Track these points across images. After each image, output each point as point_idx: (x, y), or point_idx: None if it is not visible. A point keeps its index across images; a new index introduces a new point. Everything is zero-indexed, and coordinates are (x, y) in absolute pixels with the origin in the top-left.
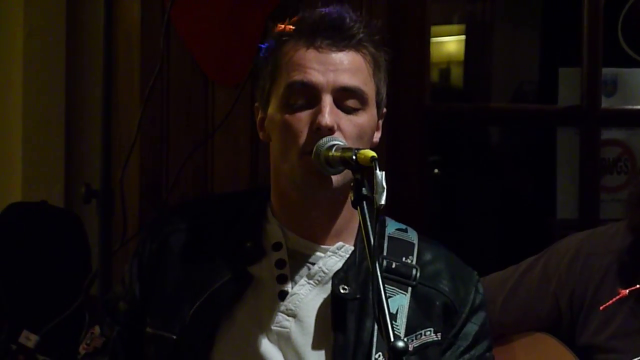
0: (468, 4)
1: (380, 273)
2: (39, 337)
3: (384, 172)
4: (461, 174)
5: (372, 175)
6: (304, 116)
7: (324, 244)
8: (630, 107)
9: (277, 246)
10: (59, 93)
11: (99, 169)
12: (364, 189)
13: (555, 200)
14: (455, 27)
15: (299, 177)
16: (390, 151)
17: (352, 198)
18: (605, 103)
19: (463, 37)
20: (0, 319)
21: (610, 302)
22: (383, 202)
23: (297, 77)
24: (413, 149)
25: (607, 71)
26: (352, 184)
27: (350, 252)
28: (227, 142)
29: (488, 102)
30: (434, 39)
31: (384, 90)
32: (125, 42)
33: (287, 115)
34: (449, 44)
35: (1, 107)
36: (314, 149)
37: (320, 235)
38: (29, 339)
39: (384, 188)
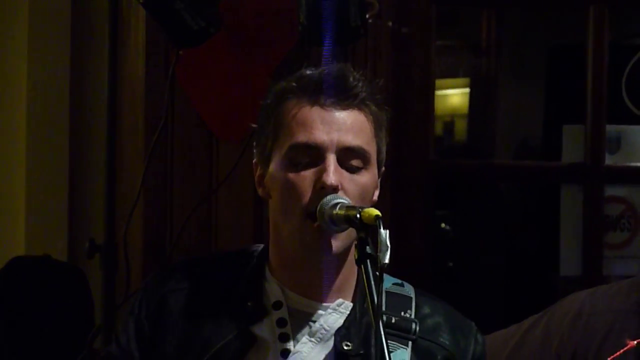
0: (473, 58)
1: (383, 330)
2: None
3: (387, 231)
4: (466, 229)
5: (376, 234)
6: (307, 175)
7: (323, 302)
8: (633, 164)
9: (278, 305)
10: (63, 147)
11: (102, 223)
12: (367, 247)
13: (559, 256)
14: (460, 81)
15: (301, 240)
16: (395, 206)
17: (356, 256)
18: (609, 160)
19: (467, 90)
20: None
21: (618, 353)
22: (387, 261)
23: (302, 137)
24: (418, 204)
25: (610, 128)
26: (355, 243)
27: (350, 308)
28: (231, 197)
29: (492, 156)
30: (438, 92)
31: (384, 149)
32: (129, 97)
33: (290, 174)
34: (454, 96)
35: (5, 160)
36: (318, 207)
37: (320, 294)
38: None
39: (387, 247)
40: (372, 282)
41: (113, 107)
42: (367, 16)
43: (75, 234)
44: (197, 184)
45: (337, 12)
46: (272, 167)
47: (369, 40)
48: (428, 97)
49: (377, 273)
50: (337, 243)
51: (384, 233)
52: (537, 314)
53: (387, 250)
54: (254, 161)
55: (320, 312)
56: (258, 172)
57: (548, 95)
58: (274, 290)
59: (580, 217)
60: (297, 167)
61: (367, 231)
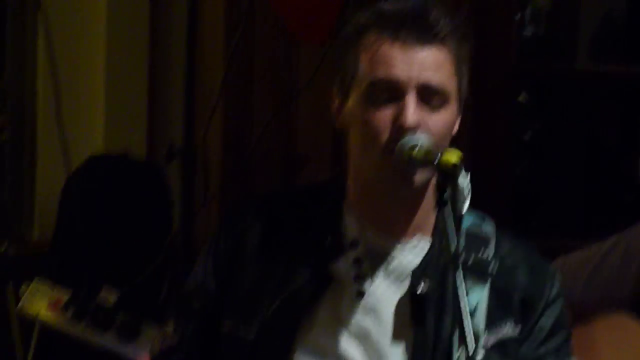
0: None
1: (460, 270)
2: (120, 294)
3: (468, 178)
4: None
5: (455, 180)
6: (387, 112)
7: (402, 239)
8: None
9: (355, 243)
10: (143, 45)
11: (182, 125)
12: (446, 194)
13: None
14: None
15: (381, 175)
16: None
17: (435, 200)
18: None
19: None
20: (81, 272)
21: None
22: (465, 210)
23: (382, 73)
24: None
25: None
26: (435, 185)
27: (428, 247)
28: (311, 103)
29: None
30: None
31: (465, 85)
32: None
33: (369, 111)
34: None
35: (85, 64)
36: (397, 147)
37: (398, 230)
38: (109, 296)
39: (465, 196)
40: (450, 229)
41: (194, 6)
42: None
43: (155, 135)
44: (279, 87)
45: None
46: (351, 101)
47: None
48: None
49: (455, 221)
50: (418, 177)
51: (463, 181)
52: (617, 235)
53: (466, 199)
54: (333, 90)
55: (397, 250)
56: (336, 103)
57: None
58: (351, 226)
59: None
60: (376, 103)
61: (446, 177)
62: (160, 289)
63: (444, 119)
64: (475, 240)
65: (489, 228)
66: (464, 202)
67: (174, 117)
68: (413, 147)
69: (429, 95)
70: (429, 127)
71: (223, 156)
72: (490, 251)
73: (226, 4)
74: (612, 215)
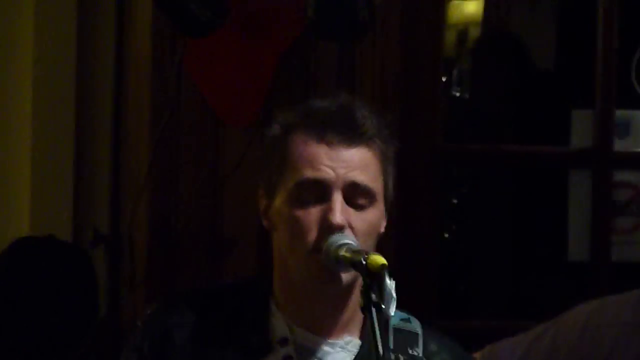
0: None
1: None
2: None
3: (394, 282)
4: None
5: (382, 282)
6: (314, 212)
7: (330, 338)
8: None
9: (284, 341)
10: (68, 132)
11: (107, 212)
12: (373, 295)
13: (567, 242)
14: None
15: (308, 274)
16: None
17: (361, 303)
18: (618, 145)
19: None
20: (6, 358)
21: None
22: (392, 313)
23: (309, 173)
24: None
25: (620, 113)
26: (361, 289)
27: (357, 346)
28: (238, 187)
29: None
30: None
31: (391, 184)
32: (135, 83)
33: (296, 211)
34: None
35: (9, 144)
36: (324, 247)
37: (327, 329)
38: None
39: (393, 298)
40: (377, 330)
41: (119, 93)
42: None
43: (80, 220)
44: (205, 171)
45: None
46: (278, 201)
47: None
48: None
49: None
50: (345, 276)
51: (390, 284)
52: (544, 324)
53: (393, 301)
54: (259, 192)
55: (327, 349)
56: (263, 204)
57: (557, 80)
58: (280, 325)
59: (589, 203)
60: (304, 203)
61: (372, 278)
62: None
63: (371, 219)
64: (404, 338)
65: (416, 325)
66: (391, 304)
67: (100, 202)
68: (340, 246)
69: (356, 195)
70: (355, 226)
71: (149, 241)
72: (419, 349)
73: (152, 88)
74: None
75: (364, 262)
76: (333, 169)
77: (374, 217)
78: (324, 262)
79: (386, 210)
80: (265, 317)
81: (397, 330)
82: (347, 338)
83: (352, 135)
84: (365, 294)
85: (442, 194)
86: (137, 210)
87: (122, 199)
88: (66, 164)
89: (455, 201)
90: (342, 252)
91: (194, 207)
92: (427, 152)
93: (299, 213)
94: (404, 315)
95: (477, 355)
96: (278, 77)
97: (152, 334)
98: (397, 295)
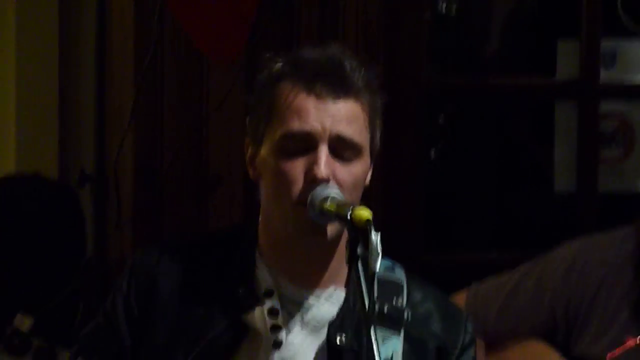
0: None
1: (374, 327)
2: (34, 320)
3: (379, 236)
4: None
5: (367, 237)
6: (299, 163)
7: (316, 289)
8: (629, 79)
9: (269, 293)
10: (52, 71)
11: (93, 152)
12: (358, 249)
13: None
14: None
15: (293, 226)
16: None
17: (347, 256)
18: (604, 75)
19: None
20: None
21: (617, 351)
22: (377, 268)
23: (296, 125)
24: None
25: (605, 43)
26: (347, 242)
27: (342, 297)
28: (223, 125)
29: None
30: None
31: (378, 137)
32: (119, 23)
33: (282, 161)
34: None
35: None
36: (309, 199)
37: (312, 281)
38: (24, 321)
39: (378, 253)
40: (363, 283)
41: (102, 34)
42: None
43: (66, 160)
44: (190, 110)
45: None
46: (264, 150)
47: None
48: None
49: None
50: (330, 229)
51: (375, 238)
52: (529, 263)
53: (378, 256)
54: (246, 140)
55: (312, 300)
56: (249, 152)
57: (542, 10)
58: (265, 276)
59: (575, 134)
60: (289, 155)
61: (358, 232)
62: (74, 314)
63: (356, 172)
64: (389, 288)
65: (400, 275)
66: (376, 259)
67: (86, 142)
68: (325, 199)
69: (342, 148)
70: (341, 178)
71: (135, 181)
72: (403, 299)
73: (135, 26)
74: (526, 228)
75: (349, 217)
76: (320, 122)
77: (359, 169)
78: (309, 214)
79: (372, 162)
80: (250, 268)
81: (381, 281)
82: (331, 289)
83: (340, 87)
84: (350, 247)
85: (426, 121)
86: (123, 151)
87: (108, 140)
88: (51, 105)
89: (441, 121)
90: (327, 204)
91: (179, 146)
92: (411, 87)
93: (285, 164)
94: (388, 263)
95: (462, 296)
96: (262, 12)
97: (137, 280)
98: (382, 229)
